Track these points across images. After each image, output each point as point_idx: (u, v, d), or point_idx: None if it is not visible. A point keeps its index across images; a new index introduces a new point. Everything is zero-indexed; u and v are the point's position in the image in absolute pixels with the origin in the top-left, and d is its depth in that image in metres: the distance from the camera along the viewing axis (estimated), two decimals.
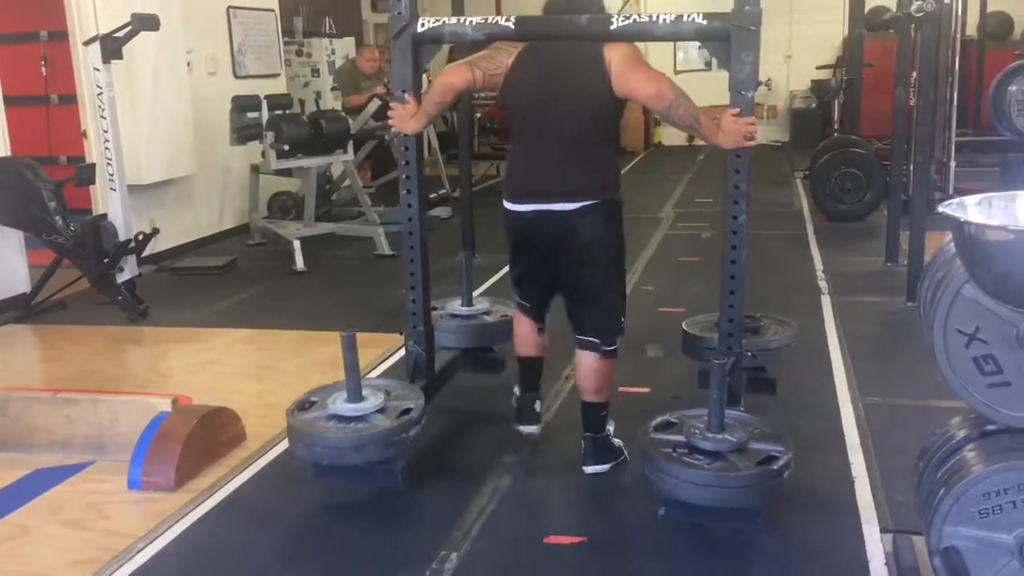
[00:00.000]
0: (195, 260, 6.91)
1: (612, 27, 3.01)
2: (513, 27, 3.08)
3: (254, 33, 8.25)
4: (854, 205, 7.56)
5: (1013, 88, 4.52)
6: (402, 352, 3.83)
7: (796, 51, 13.05)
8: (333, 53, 9.60)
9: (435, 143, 9.76)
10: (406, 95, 3.29)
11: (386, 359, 4.59)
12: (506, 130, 11.62)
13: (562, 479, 3.27)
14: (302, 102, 8.28)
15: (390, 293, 5.80)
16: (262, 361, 4.71)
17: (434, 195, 8.08)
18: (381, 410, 3.06)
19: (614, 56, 2.97)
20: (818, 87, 12.15)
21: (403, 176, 3.43)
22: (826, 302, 5.31)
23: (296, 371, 4.41)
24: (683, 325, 3.84)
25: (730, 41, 2.94)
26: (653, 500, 2.89)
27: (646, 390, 4.01)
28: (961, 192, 6.89)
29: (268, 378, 4.39)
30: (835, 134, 9.28)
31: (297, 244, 6.54)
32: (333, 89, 9.05)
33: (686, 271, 6.28)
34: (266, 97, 7.08)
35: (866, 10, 9.01)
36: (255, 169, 7.28)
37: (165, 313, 5.48)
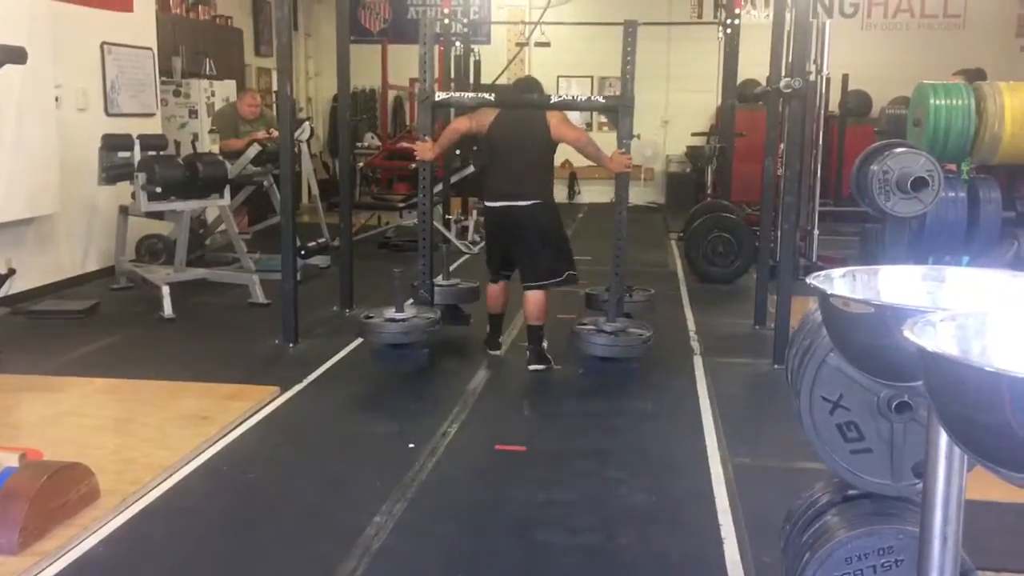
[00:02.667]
0: (54, 303, 6.55)
1: (552, 101, 5.40)
2: (494, 99, 5.37)
3: (129, 70, 8.00)
4: (725, 268, 7.82)
5: (874, 168, 4.78)
6: (276, 404, 4.59)
7: (673, 117, 13.54)
8: (212, 95, 9.39)
9: (315, 190, 9.63)
10: (426, 137, 5.31)
11: (259, 411, 4.42)
12: (388, 180, 11.70)
13: (517, 373, 5.22)
14: (178, 143, 8.04)
15: (263, 343, 5.64)
16: (122, 413, 4.46)
17: (312, 244, 7.93)
18: (416, 316, 5.08)
19: (552, 119, 5.07)
20: (693, 153, 12.64)
21: (420, 186, 5.53)
22: (698, 362, 5.44)
23: (158, 424, 4.19)
24: (585, 290, 5.99)
25: (618, 112, 5.19)
26: (572, 377, 5.10)
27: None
28: (824, 259, 7.23)
29: (127, 432, 4.16)
30: (708, 199, 9.63)
31: (166, 289, 6.28)
32: (211, 132, 8.84)
33: (563, 327, 6.33)
34: (139, 137, 6.85)
35: (738, 82, 9.45)
36: (124, 210, 6.99)
37: (18, 359, 5.15)
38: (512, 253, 5.22)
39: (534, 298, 5.15)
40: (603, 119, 12.78)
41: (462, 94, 5.60)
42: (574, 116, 6.32)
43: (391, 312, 5.05)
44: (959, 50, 11.65)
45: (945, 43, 12.54)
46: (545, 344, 5.25)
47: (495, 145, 5.17)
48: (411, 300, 5.41)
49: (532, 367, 5.17)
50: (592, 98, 5.75)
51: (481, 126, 5.18)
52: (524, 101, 5.31)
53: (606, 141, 5.85)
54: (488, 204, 5.25)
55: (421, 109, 5.39)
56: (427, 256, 5.48)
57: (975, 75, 6.56)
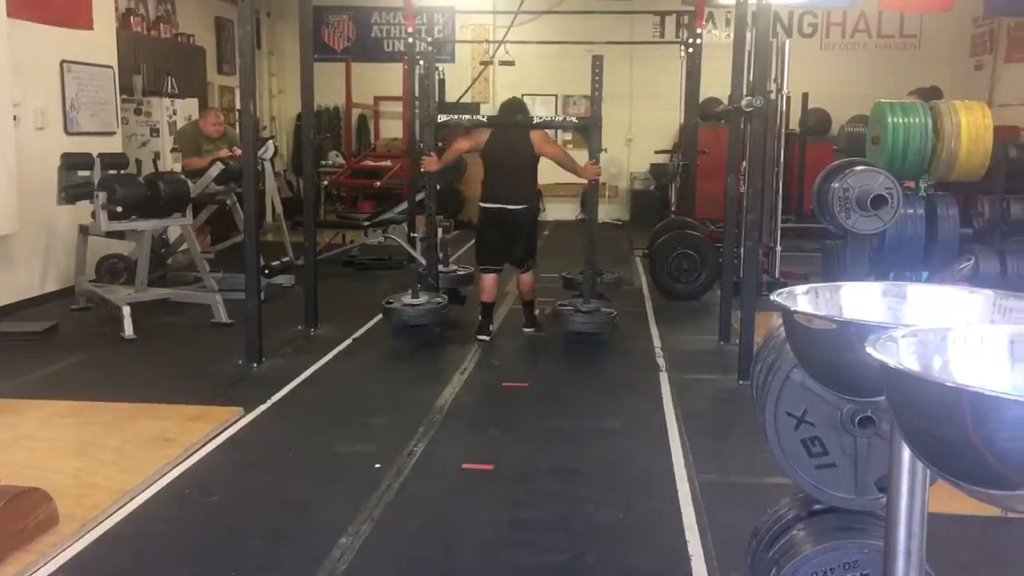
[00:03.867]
0: (11, 324, 6.43)
1: (535, 122, 6.49)
2: (487, 120, 6.63)
3: (89, 89, 7.91)
4: (690, 285, 7.85)
5: (835, 185, 4.83)
6: (240, 425, 4.51)
7: (636, 135, 13.66)
8: (175, 113, 9.30)
9: (279, 208, 9.56)
10: (431, 153, 6.39)
11: (222, 432, 4.36)
12: (353, 198, 11.70)
13: (511, 339, 6.40)
14: (139, 162, 7.95)
15: (226, 363, 5.58)
16: (82, 436, 4.38)
17: (276, 263, 7.87)
18: (428, 301, 6.17)
19: (536, 136, 6.13)
20: (656, 170, 12.74)
21: (427, 193, 6.69)
22: (664, 379, 5.46)
23: (119, 447, 4.13)
24: (563, 274, 7.42)
25: (589, 130, 6.22)
26: (555, 343, 6.19)
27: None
28: (787, 275, 7.30)
29: (87, 455, 4.08)
30: (672, 216, 9.69)
31: (127, 310, 6.19)
32: (173, 150, 8.75)
33: (531, 345, 6.34)
34: (99, 155, 6.76)
35: (700, 101, 9.55)
36: (84, 230, 6.89)
37: None
38: (504, 245, 6.25)
39: (527, 279, 6.39)
40: (567, 136, 12.84)
41: (460, 116, 6.92)
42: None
43: (408, 298, 6.17)
44: (915, 69, 11.87)
45: (902, 62, 12.79)
46: (537, 312, 6.47)
47: (490, 159, 6.22)
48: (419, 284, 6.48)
49: (527, 330, 6.46)
50: (567, 119, 7.39)
51: (478, 144, 6.25)
52: (513, 122, 6.32)
53: (574, 155, 6.80)
54: (484, 205, 6.30)
55: (426, 130, 6.50)
56: (433, 250, 6.75)
57: (930, 93, 6.69)
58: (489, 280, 6.30)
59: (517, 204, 6.14)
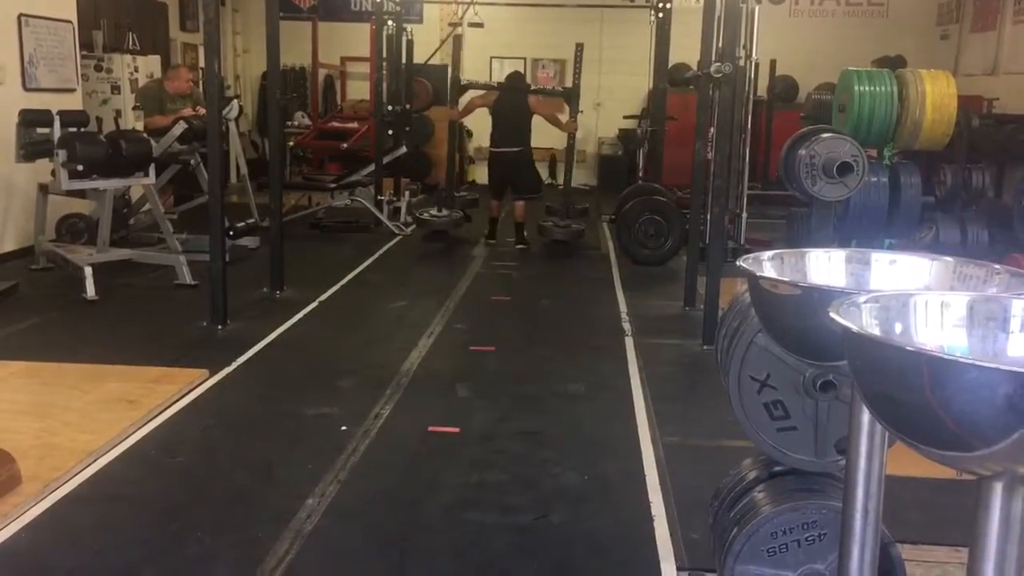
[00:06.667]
0: None
1: (531, 89, 9.21)
2: (497, 86, 9.08)
3: (48, 44, 7.72)
4: (656, 250, 7.89)
5: (802, 152, 4.86)
6: (205, 387, 4.47)
7: (605, 99, 13.59)
8: (136, 71, 9.13)
9: (244, 169, 9.44)
10: (454, 107, 9.10)
11: (187, 394, 4.34)
12: (319, 160, 11.60)
13: (506, 250, 7.94)
14: (100, 120, 7.79)
15: (191, 325, 5.54)
16: (43, 397, 4.33)
17: (241, 224, 7.78)
18: (450, 215, 8.93)
19: (532, 99, 8.58)
20: (625, 136, 12.72)
21: (450, 136, 9.59)
22: (629, 343, 5.50)
23: (82, 408, 4.09)
24: (546, 204, 9.17)
25: (571, 96, 8.93)
26: (541, 255, 8.36)
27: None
28: (752, 242, 7.36)
29: (49, 416, 4.04)
30: (639, 181, 9.71)
31: (88, 270, 6.10)
32: (135, 108, 8.59)
33: (497, 309, 6.35)
34: (59, 113, 6.62)
35: (669, 66, 9.54)
36: (43, 188, 6.77)
37: None
38: (506, 179, 8.51)
39: (520, 205, 8.55)
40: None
41: (476, 80, 9.92)
42: None
43: (434, 212, 8.85)
44: (882, 38, 11.93)
45: (869, 31, 12.82)
46: (525, 233, 8.56)
47: (497, 114, 8.48)
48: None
49: (518, 246, 8.50)
50: (555, 88, 10.13)
51: (488, 102, 8.58)
52: (516, 87, 8.63)
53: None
54: (492, 150, 8.64)
55: (452, 87, 9.12)
56: (451, 179, 9.40)
57: (894, 63, 6.71)
58: (493, 204, 8.75)
59: (515, 147, 8.37)
